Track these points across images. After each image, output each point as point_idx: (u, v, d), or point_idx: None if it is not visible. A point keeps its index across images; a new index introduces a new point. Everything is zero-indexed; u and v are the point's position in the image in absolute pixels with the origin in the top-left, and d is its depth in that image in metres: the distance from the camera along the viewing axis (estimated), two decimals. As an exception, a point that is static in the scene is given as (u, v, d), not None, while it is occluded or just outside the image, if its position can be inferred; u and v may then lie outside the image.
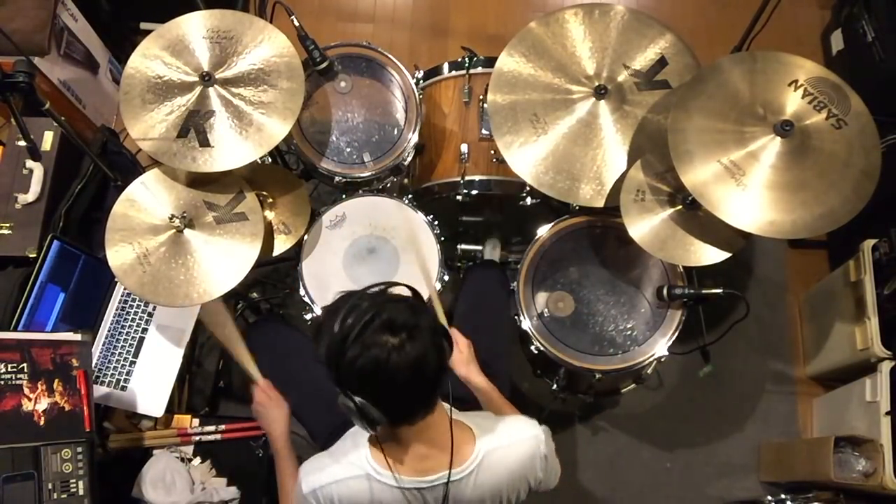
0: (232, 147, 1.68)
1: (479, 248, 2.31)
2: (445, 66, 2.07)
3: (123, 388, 1.92)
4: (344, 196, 1.97)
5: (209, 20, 1.78)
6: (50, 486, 1.44)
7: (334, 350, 1.09)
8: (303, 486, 1.26)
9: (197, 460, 1.86)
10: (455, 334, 1.61)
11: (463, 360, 1.59)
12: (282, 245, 1.89)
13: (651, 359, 1.81)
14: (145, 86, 1.72)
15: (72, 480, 1.47)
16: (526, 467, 1.28)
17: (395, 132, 2.00)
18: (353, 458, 1.23)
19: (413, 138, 1.96)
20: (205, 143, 1.68)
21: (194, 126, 1.69)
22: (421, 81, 2.07)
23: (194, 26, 1.78)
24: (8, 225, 1.94)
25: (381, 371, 1.07)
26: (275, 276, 2.45)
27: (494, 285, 1.93)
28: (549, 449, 1.32)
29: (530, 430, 1.30)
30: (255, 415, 1.61)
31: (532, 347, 1.84)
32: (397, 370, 1.07)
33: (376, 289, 1.16)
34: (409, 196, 1.99)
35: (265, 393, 1.59)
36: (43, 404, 1.50)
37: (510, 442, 1.27)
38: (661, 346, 1.81)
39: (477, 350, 1.75)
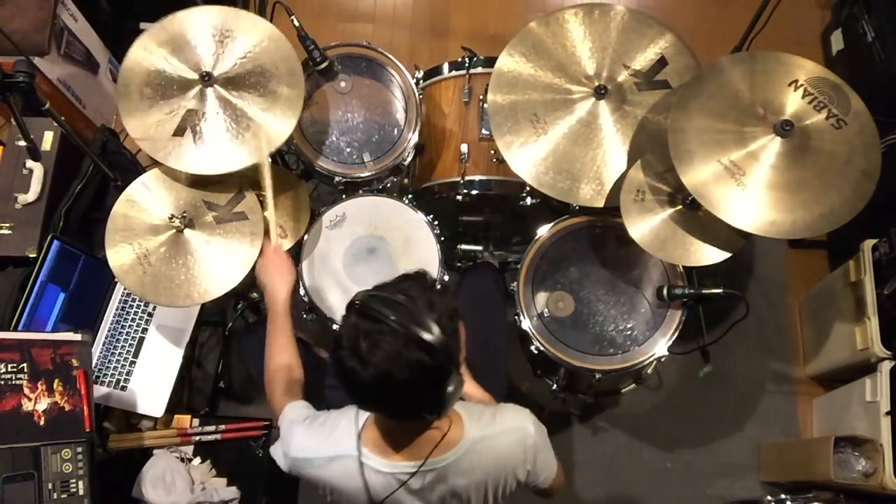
0: (229, 149, 1.68)
1: (479, 248, 2.31)
2: (445, 66, 2.07)
3: (123, 388, 1.92)
4: (344, 196, 1.97)
5: (211, 17, 1.77)
6: (50, 486, 1.44)
7: (356, 297, 1.12)
8: (290, 450, 1.27)
9: (197, 460, 1.86)
10: None
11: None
12: (281, 245, 1.88)
13: (651, 359, 1.81)
14: (143, 80, 1.71)
15: (72, 480, 1.47)
16: (513, 457, 1.27)
17: (395, 132, 2.00)
18: (340, 438, 1.24)
19: (413, 138, 1.96)
20: (199, 143, 1.68)
21: (191, 126, 1.69)
22: (421, 81, 2.07)
23: (196, 23, 1.77)
24: (8, 225, 1.94)
25: (336, 346, 1.10)
26: (275, 276, 2.44)
27: (490, 286, 1.94)
28: (541, 442, 1.30)
29: (520, 421, 1.30)
30: (259, 269, 1.59)
31: (532, 347, 1.84)
32: (339, 361, 1.09)
33: (426, 323, 1.07)
34: (409, 196, 1.99)
35: (278, 254, 1.57)
36: (43, 404, 1.50)
37: (499, 431, 1.27)
38: (661, 346, 1.81)
39: (474, 351, 1.75)
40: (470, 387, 1.58)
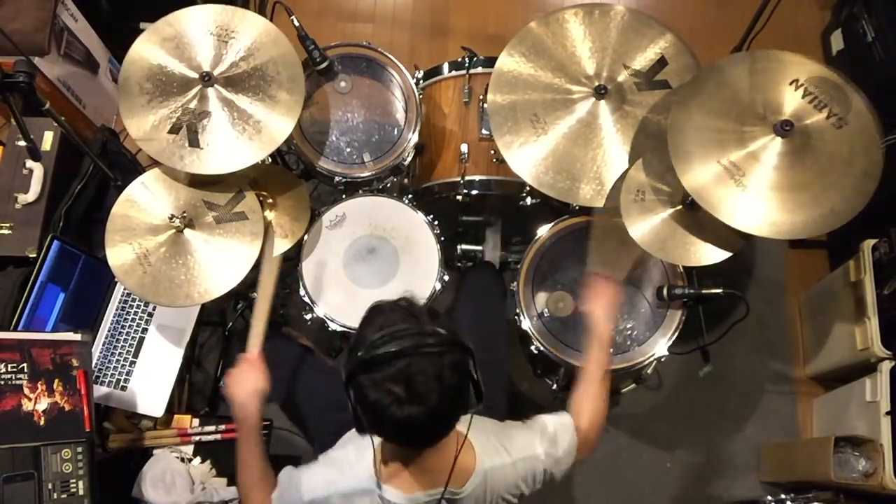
0: (225, 150, 1.68)
1: (479, 248, 2.31)
2: (445, 66, 2.07)
3: (123, 388, 1.92)
4: (344, 196, 1.97)
5: (214, 15, 1.77)
6: (50, 486, 1.44)
7: (352, 366, 1.07)
8: (303, 494, 1.25)
9: (197, 460, 1.86)
10: (599, 282, 1.54)
11: (599, 303, 1.52)
12: (281, 245, 1.89)
13: (651, 359, 1.81)
14: (144, 77, 1.71)
15: (72, 480, 1.47)
16: (524, 480, 1.30)
17: (395, 132, 2.00)
18: (356, 471, 1.23)
19: (413, 138, 1.96)
20: (194, 143, 1.68)
21: (187, 125, 1.69)
22: (421, 81, 2.07)
23: (198, 21, 1.76)
24: (8, 225, 1.94)
25: (377, 411, 1.06)
26: (275, 276, 2.45)
27: (490, 287, 1.94)
28: (553, 455, 1.32)
29: (531, 448, 1.31)
30: (229, 381, 1.45)
31: (532, 347, 1.84)
32: (392, 419, 1.06)
33: (429, 330, 1.07)
34: (409, 196, 1.99)
35: (254, 365, 1.45)
36: (43, 404, 1.50)
37: (512, 461, 1.28)
38: (661, 346, 1.81)
39: (475, 350, 1.75)
40: (601, 332, 1.52)
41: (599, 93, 1.79)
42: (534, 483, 1.32)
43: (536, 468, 1.30)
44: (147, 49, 1.74)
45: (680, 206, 1.72)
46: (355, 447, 1.28)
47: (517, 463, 1.29)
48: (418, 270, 1.86)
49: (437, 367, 1.04)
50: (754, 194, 1.55)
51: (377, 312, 1.12)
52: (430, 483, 1.21)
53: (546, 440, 1.32)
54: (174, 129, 1.68)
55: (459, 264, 2.35)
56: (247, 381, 1.44)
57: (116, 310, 2.01)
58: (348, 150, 1.99)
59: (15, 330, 1.73)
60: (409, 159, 2.02)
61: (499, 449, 1.29)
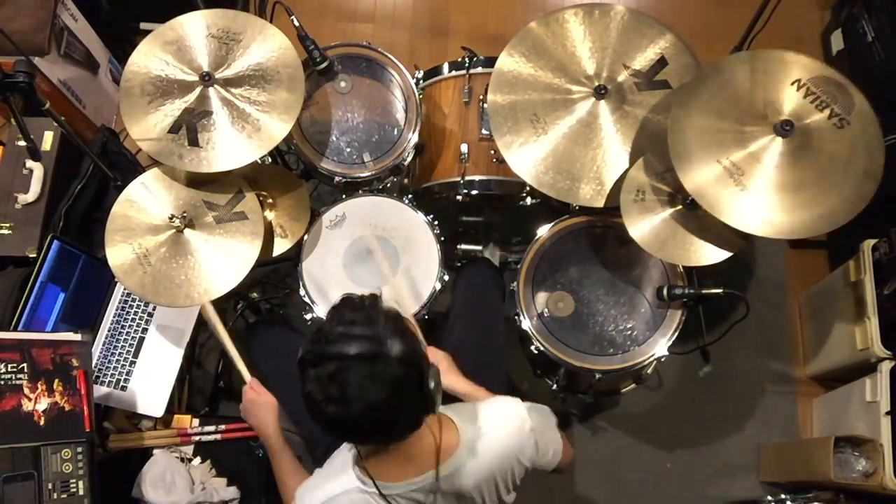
0: (225, 148, 1.68)
1: (479, 248, 2.32)
2: (445, 66, 2.07)
3: (123, 388, 1.92)
4: (344, 196, 1.97)
5: (216, 19, 1.78)
6: (50, 486, 1.44)
7: (303, 352, 1.11)
8: None
9: (197, 460, 1.86)
10: (431, 350, 1.55)
11: (441, 370, 1.55)
12: (281, 245, 1.89)
13: (651, 359, 1.81)
14: (147, 77, 1.72)
15: (72, 480, 1.47)
16: (514, 447, 1.27)
17: (395, 132, 2.00)
18: (343, 474, 1.23)
19: (413, 138, 1.96)
20: (194, 142, 1.68)
21: (187, 124, 1.69)
22: (421, 81, 2.07)
23: (200, 25, 1.77)
24: (8, 225, 1.94)
25: (309, 404, 1.09)
26: (275, 276, 2.45)
27: (488, 282, 1.94)
28: (540, 424, 1.31)
29: (513, 410, 1.30)
30: (244, 414, 1.61)
31: (532, 347, 1.84)
32: (319, 413, 1.08)
33: (381, 336, 1.08)
34: (409, 196, 1.99)
35: (254, 391, 1.60)
36: (43, 404, 1.50)
37: (494, 425, 1.27)
38: (661, 346, 1.81)
39: (473, 349, 1.75)
40: (457, 381, 1.54)
41: (599, 93, 1.79)
42: (526, 448, 1.28)
43: (524, 429, 1.27)
44: (149, 53, 1.75)
45: (680, 206, 1.72)
46: (339, 455, 1.29)
47: (502, 427, 1.27)
48: (418, 270, 1.86)
49: (368, 378, 1.05)
50: (754, 194, 1.55)
51: (345, 304, 1.15)
52: (419, 468, 1.20)
53: (528, 407, 1.32)
54: (174, 129, 1.68)
55: (459, 264, 2.35)
56: (259, 411, 1.56)
57: (116, 310, 2.01)
58: (348, 150, 1.99)
59: (15, 330, 1.74)
60: (409, 159, 2.02)
61: (480, 416, 1.28)
